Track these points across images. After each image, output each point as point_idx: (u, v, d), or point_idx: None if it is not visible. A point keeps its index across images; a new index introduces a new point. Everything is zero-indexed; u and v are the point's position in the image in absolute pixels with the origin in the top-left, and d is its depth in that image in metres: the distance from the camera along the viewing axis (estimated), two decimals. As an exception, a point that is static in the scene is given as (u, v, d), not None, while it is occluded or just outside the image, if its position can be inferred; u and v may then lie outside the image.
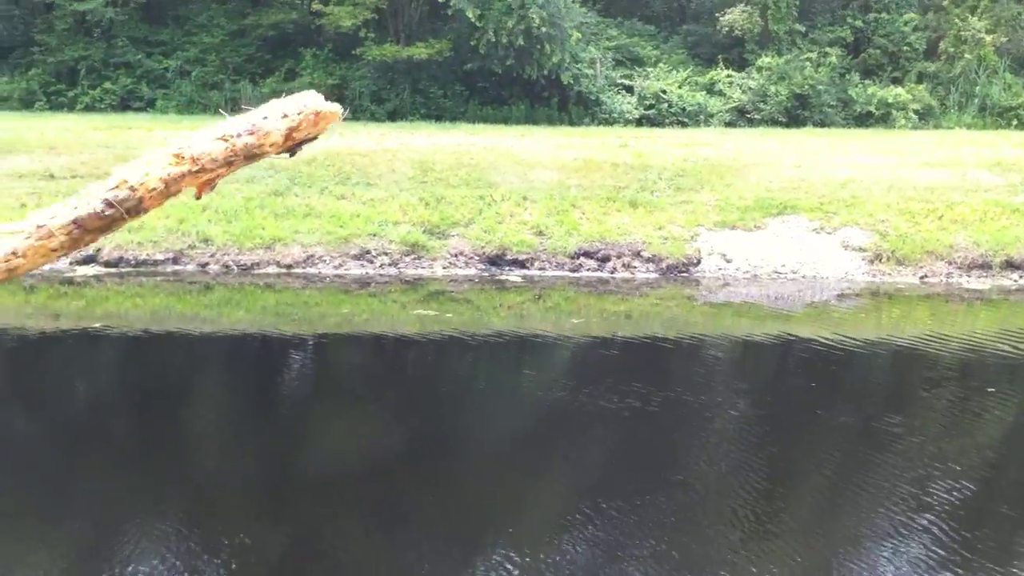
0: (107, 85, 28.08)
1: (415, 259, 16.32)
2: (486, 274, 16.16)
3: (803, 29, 30.97)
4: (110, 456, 8.68)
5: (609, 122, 27.68)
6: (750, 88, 29.08)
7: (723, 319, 14.82)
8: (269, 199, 17.52)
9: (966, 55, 29.97)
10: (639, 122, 27.92)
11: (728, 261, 16.67)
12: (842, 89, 29.46)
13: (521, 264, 16.40)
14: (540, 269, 16.34)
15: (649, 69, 29.67)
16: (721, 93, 29.19)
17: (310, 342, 13.04)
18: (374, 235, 16.65)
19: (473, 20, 26.51)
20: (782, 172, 19.67)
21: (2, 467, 8.28)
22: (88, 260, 15.81)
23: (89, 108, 27.30)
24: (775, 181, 19.18)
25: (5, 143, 19.45)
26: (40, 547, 6.86)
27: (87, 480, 8.04)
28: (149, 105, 27.84)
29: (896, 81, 30.36)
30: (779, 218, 17.76)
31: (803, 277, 16.42)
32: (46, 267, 14.38)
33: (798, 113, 28.77)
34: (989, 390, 11.00)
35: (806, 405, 10.55)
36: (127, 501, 7.61)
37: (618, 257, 16.56)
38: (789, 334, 13.66)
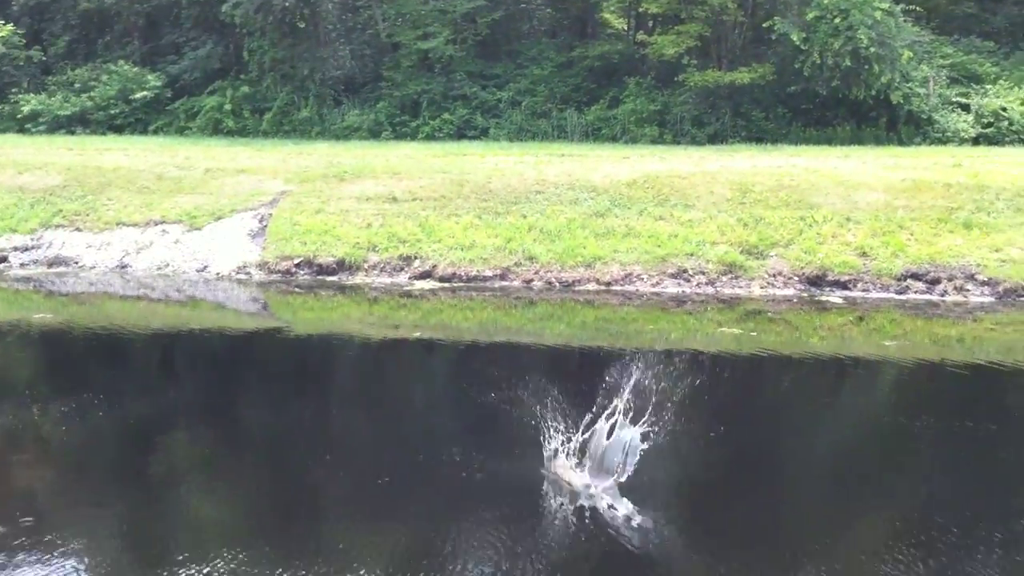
0: (446, 116, 30.09)
1: (732, 279, 16.32)
2: (805, 295, 15.88)
3: None
4: (442, 454, 9.32)
5: (942, 141, 26.32)
6: (1106, 103, 26.70)
7: (1068, 347, 13.73)
8: (590, 220, 18.12)
9: None
10: (975, 141, 26.34)
11: (1076, 286, 15.43)
12: None
13: (843, 285, 15.98)
14: (863, 291, 15.85)
15: (988, 86, 27.92)
16: (1072, 110, 26.99)
17: (626, 356, 13.36)
18: (691, 255, 16.81)
19: (797, 43, 26.12)
20: None
21: (340, 461, 9.11)
22: (424, 275, 17.03)
23: (429, 137, 29.35)
24: None
25: (354, 169, 21.31)
26: (381, 537, 7.55)
27: (422, 473, 8.71)
28: (483, 133, 29.52)
29: None
30: None
31: None
32: (387, 280, 15.75)
33: None
34: None
35: None
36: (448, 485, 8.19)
37: (949, 280, 15.76)
38: None
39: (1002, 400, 11.23)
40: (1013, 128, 26.46)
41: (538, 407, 10.65)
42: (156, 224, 19.30)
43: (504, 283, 16.72)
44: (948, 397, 11.31)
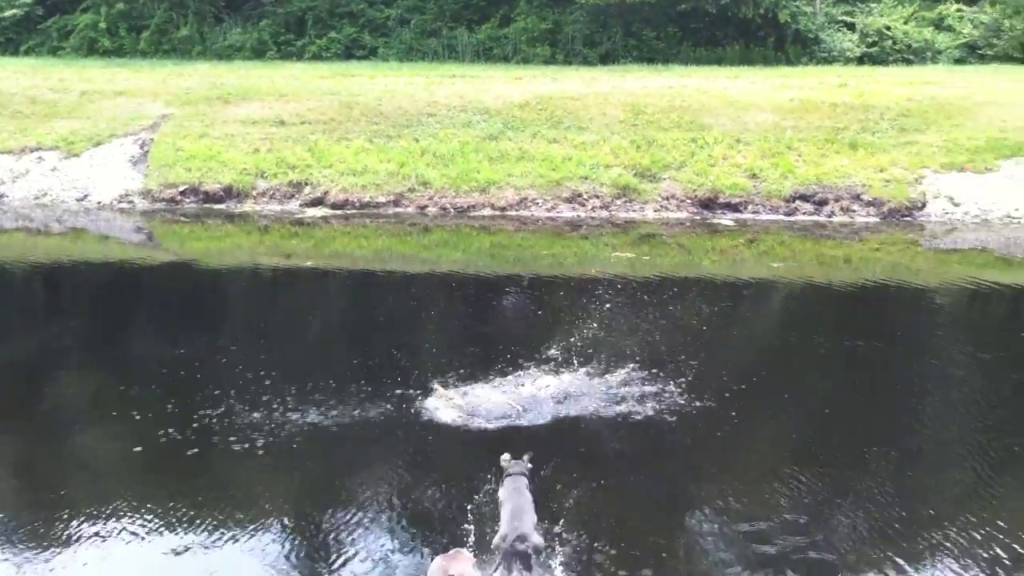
0: (332, 35, 29.21)
1: (626, 202, 16.38)
2: (698, 217, 16.05)
3: (1045, -43, 28.78)
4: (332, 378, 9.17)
5: (828, 61, 26.67)
6: (982, 23, 27.33)
7: (949, 265, 14.20)
8: (484, 143, 17.93)
9: None
10: (860, 60, 26.76)
11: (956, 205, 15.92)
12: (1088, 21, 27.26)
13: (734, 208, 16.20)
14: (753, 213, 16.10)
15: (872, 5, 28.32)
16: (950, 29, 27.59)
17: (524, 283, 13.34)
18: (585, 178, 16.81)
19: (687, -41, 26.03)
20: (1018, 111, 18.49)
21: (229, 394, 8.88)
22: (316, 202, 16.67)
23: (316, 57, 28.50)
24: (1009, 121, 18.07)
25: (239, 91, 20.64)
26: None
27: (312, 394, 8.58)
28: (371, 53, 28.79)
29: None
30: (1013, 160, 16.77)
31: (1038, 222, 15.52)
32: (278, 208, 15.33)
33: (1036, 48, 26.83)
34: None
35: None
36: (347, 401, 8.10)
37: (836, 201, 16.10)
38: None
39: (886, 318, 11.57)
40: (896, 47, 26.94)
41: (433, 336, 10.59)
42: (32, 151, 18.42)
43: (398, 209, 16.48)
44: (834, 316, 11.61)
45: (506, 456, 6.53)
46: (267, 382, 8.84)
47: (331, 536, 6.44)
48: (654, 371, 9.08)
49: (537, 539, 5.74)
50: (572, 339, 9.75)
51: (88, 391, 9.29)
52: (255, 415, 8.10)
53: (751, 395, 8.85)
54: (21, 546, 6.31)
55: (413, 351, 9.78)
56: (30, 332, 11.02)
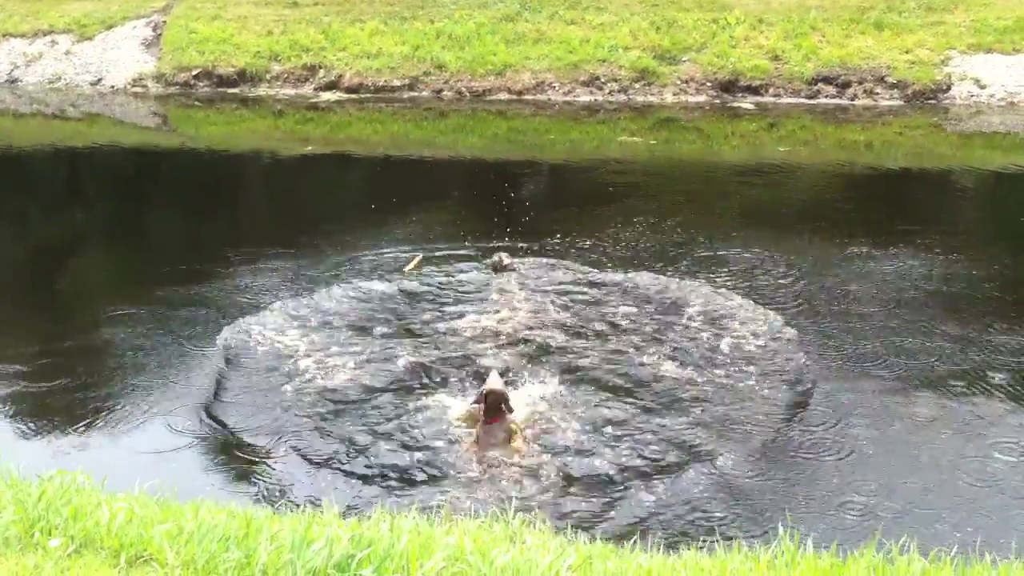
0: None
1: (645, 85, 16.10)
2: (717, 101, 15.78)
3: None
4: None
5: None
6: None
7: (973, 149, 13.97)
8: (500, 25, 17.56)
9: None
10: (891, -65, 25.89)
11: (981, 87, 15.55)
12: None
13: (754, 91, 15.89)
14: (774, 96, 15.80)
15: None
16: (986, -100, 26.58)
17: (542, 169, 13.27)
18: (604, 61, 16.49)
19: None
20: (1050, -11, 17.90)
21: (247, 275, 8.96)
22: (330, 86, 16.48)
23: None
24: (1041, -1, 17.52)
25: (252, -29, 20.22)
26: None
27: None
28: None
29: None
30: (1042, 40, 16.34)
31: (1066, 104, 15.20)
32: (292, 92, 15.09)
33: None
34: None
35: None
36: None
37: (859, 83, 15.76)
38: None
39: (913, 204, 11.43)
40: (927, -79, 25.99)
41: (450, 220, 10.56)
42: (44, 34, 18.21)
43: (413, 94, 16.28)
44: (859, 203, 11.49)
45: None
46: (282, 266, 8.90)
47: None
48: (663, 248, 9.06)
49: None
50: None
51: (107, 270, 9.40)
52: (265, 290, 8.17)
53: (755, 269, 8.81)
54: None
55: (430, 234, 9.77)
56: (51, 214, 11.09)
